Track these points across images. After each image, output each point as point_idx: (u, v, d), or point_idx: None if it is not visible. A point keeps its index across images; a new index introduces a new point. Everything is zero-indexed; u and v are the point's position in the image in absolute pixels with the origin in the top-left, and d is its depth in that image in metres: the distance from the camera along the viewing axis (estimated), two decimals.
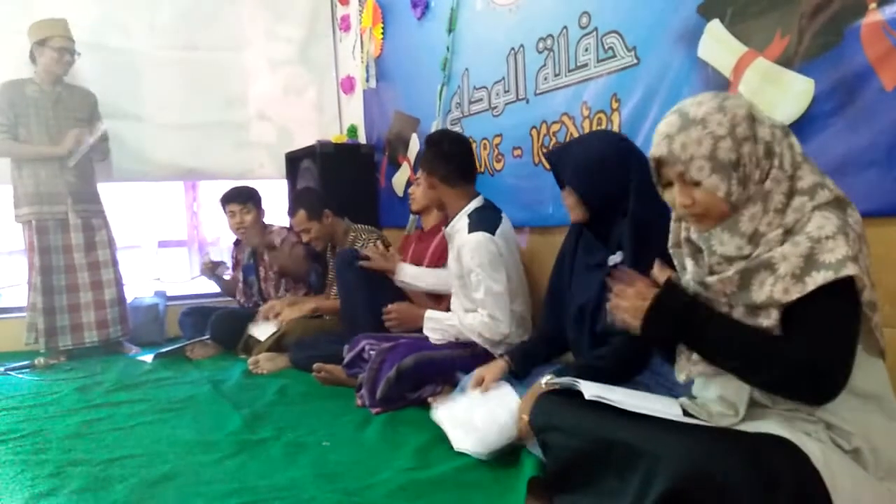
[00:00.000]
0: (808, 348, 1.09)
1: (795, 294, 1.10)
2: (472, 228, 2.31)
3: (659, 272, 1.30)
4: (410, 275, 2.70)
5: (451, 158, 2.42)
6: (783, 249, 1.11)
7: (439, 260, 2.84)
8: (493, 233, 2.29)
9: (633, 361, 1.65)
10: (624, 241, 1.72)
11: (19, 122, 3.54)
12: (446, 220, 2.51)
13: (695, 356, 1.26)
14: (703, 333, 1.20)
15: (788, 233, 1.13)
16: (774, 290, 1.12)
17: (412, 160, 3.62)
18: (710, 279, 1.21)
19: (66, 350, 3.60)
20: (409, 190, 3.02)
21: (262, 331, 3.39)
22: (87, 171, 3.69)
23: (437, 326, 2.43)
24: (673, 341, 1.29)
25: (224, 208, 3.67)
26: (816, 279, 1.08)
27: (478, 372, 1.96)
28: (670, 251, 1.33)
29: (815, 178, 1.15)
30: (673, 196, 1.23)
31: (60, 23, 3.55)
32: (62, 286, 3.60)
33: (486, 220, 2.34)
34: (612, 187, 1.71)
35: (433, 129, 3.34)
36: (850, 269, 1.05)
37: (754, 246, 1.16)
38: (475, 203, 2.43)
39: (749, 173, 1.16)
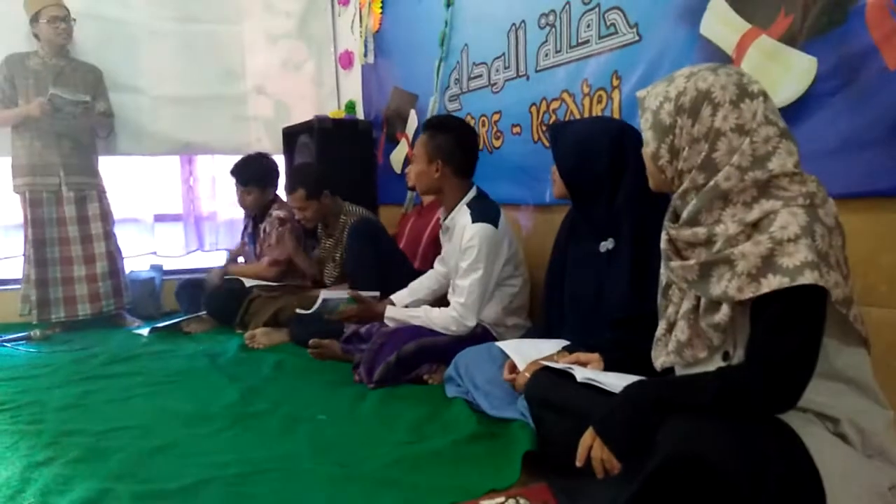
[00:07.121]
0: (760, 355, 1.08)
1: (749, 293, 1.08)
2: (475, 219, 2.30)
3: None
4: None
5: (467, 150, 2.42)
6: (744, 247, 1.09)
7: (437, 239, 2.84)
8: (496, 226, 2.30)
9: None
10: (620, 226, 1.73)
11: (19, 93, 3.52)
12: (440, 204, 2.50)
13: (670, 346, 1.26)
14: (654, 411, 1.15)
15: (755, 228, 1.11)
16: (730, 286, 1.11)
17: (410, 136, 3.60)
18: (674, 264, 1.22)
19: (61, 322, 3.60)
20: (407, 169, 2.97)
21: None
22: (83, 144, 3.66)
23: (398, 318, 2.44)
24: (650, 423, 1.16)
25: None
26: (771, 283, 1.05)
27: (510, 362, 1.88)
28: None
29: (788, 170, 1.11)
30: None
31: None
32: (56, 258, 3.58)
33: (487, 210, 2.34)
34: (592, 173, 1.75)
35: (431, 106, 3.32)
36: (806, 278, 1.02)
37: (711, 235, 1.15)
38: (472, 193, 2.43)
39: (678, 145, 1.18)
